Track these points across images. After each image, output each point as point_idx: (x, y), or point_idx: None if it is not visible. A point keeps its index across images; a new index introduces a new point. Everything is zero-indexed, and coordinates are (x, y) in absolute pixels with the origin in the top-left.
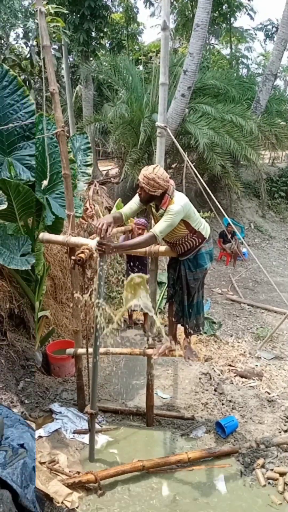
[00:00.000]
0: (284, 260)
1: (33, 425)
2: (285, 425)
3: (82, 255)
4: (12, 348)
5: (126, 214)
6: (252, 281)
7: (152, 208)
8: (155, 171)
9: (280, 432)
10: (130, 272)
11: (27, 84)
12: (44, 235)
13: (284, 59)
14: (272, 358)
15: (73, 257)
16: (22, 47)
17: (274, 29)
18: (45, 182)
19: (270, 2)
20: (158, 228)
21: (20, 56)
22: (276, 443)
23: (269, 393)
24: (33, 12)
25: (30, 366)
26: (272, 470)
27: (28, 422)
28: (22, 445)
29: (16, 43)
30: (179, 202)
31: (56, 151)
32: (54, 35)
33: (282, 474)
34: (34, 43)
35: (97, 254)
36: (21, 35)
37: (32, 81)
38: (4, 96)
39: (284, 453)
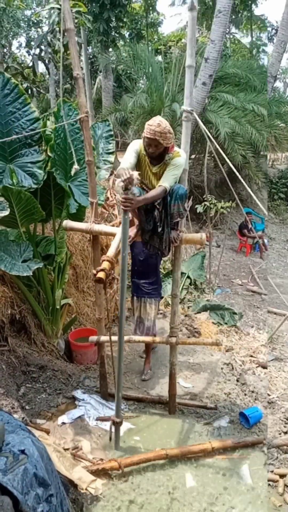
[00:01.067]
0: (283, 261)
1: (34, 431)
2: (285, 426)
3: (101, 274)
4: (13, 354)
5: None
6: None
7: (147, 165)
8: (163, 124)
9: (280, 434)
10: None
11: (29, 92)
12: (68, 223)
13: (284, 61)
14: (272, 360)
15: (93, 271)
16: (24, 55)
17: (274, 31)
18: (76, 167)
19: (269, 5)
20: (168, 182)
21: (22, 65)
22: (276, 445)
23: (269, 395)
24: (35, 21)
25: (31, 372)
26: (272, 471)
27: (29, 428)
28: (23, 451)
29: (19, 52)
30: (183, 155)
31: (77, 138)
32: (76, 21)
33: (282, 476)
34: (37, 51)
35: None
36: (23, 44)
37: (34, 89)
38: (6, 104)
39: (284, 455)
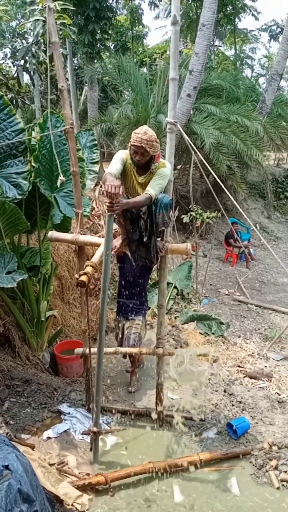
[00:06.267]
0: None
1: (19, 446)
2: None
3: (83, 277)
4: None
5: (117, 176)
6: (259, 282)
7: (133, 175)
8: (150, 132)
9: None
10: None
11: (14, 103)
12: (53, 233)
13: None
14: (281, 359)
15: (76, 275)
16: (9, 66)
17: (279, 29)
18: (62, 178)
19: (274, 2)
20: (153, 190)
21: (7, 76)
22: None
23: (279, 394)
24: (20, 32)
25: (15, 386)
26: (285, 472)
27: (14, 443)
28: (7, 467)
29: (4, 62)
30: (168, 165)
31: (64, 149)
32: (60, 33)
33: None
34: (21, 62)
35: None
36: (8, 55)
37: (19, 100)
38: None
39: None
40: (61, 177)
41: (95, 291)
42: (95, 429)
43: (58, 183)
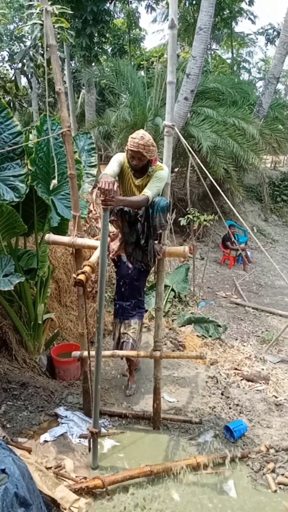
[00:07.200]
0: (287, 263)
1: (16, 450)
2: None
3: (82, 276)
4: None
5: (113, 177)
6: (256, 285)
7: (130, 177)
8: (146, 137)
9: None
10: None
11: (11, 106)
12: (50, 236)
13: (286, 63)
14: (278, 362)
15: (74, 275)
16: (7, 69)
17: (275, 33)
18: (54, 182)
19: (271, 6)
20: (150, 192)
21: (4, 78)
22: (286, 448)
23: (276, 397)
24: (18, 36)
25: (12, 389)
26: (283, 475)
27: (10, 446)
28: (3, 470)
29: (1, 65)
30: (165, 168)
31: (61, 151)
32: (58, 36)
33: None
34: (19, 65)
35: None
36: (6, 58)
37: (16, 103)
38: None
39: None
40: (54, 181)
41: (92, 293)
42: (94, 429)
43: (51, 186)
